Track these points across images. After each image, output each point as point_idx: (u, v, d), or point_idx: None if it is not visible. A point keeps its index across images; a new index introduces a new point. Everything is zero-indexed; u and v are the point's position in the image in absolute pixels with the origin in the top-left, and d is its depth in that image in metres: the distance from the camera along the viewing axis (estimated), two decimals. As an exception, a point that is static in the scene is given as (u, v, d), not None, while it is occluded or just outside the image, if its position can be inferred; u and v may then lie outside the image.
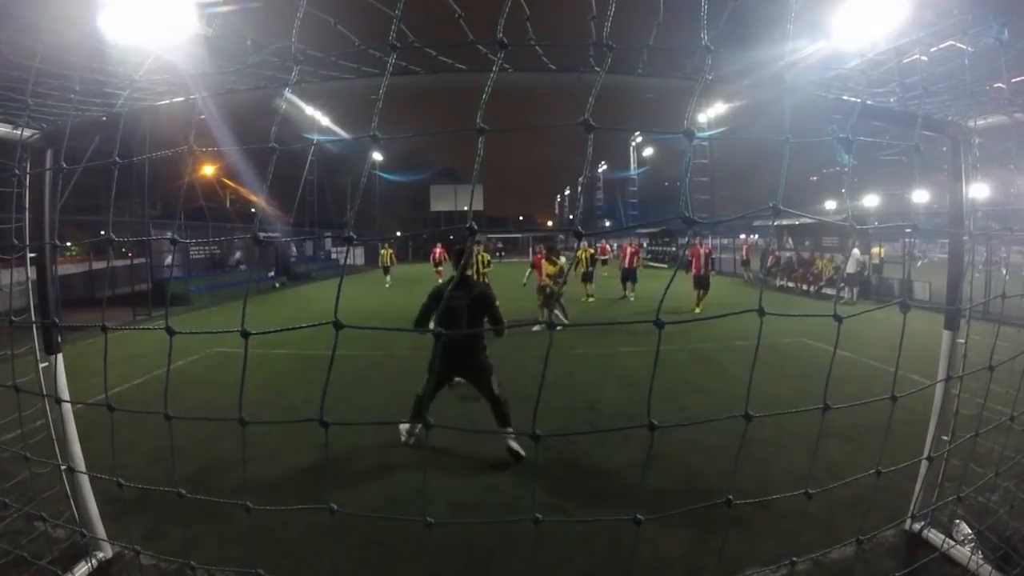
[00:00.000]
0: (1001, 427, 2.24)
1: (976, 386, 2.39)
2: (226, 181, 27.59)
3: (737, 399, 1.29)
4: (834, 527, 2.88)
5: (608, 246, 15.63)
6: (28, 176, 2.41)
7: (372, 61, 1.95)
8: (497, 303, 3.94)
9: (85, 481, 2.61)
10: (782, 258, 17.02)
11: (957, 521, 2.71)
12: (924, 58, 2.16)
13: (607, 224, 48.92)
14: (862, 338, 7.24)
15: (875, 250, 14.47)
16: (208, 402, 5.47)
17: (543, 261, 9.09)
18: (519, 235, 45.30)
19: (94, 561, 2.66)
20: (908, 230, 11.92)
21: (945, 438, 2.62)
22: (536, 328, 8.79)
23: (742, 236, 24.53)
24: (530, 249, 41.34)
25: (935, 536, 2.72)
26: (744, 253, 19.30)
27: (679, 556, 2.75)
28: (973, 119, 2.56)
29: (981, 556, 2.47)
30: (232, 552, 2.78)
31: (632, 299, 13.50)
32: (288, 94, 1.88)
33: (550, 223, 73.46)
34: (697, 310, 11.14)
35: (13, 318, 2.16)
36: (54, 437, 2.54)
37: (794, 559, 2.28)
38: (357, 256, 31.82)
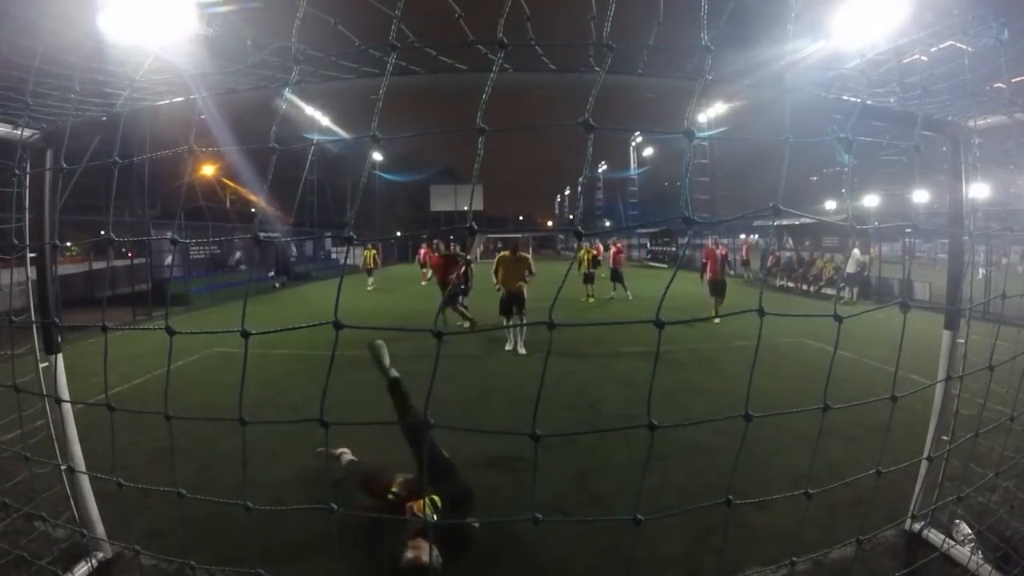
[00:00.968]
0: (1001, 427, 2.24)
1: (976, 386, 2.38)
2: (226, 181, 27.60)
3: (737, 399, 1.29)
4: (834, 527, 2.88)
5: (601, 246, 15.50)
6: (28, 176, 2.41)
7: (372, 61, 1.95)
8: None
9: (85, 481, 2.61)
10: (782, 258, 17.03)
11: (957, 521, 2.71)
12: (924, 58, 2.16)
13: (607, 224, 48.90)
14: (862, 338, 7.24)
15: (871, 251, 14.46)
16: (208, 402, 5.47)
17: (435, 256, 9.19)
18: (519, 235, 45.31)
19: (94, 561, 2.66)
20: (908, 230, 11.94)
21: (945, 438, 2.62)
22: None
23: (742, 236, 24.54)
24: (530, 249, 41.39)
25: (935, 536, 2.72)
26: (744, 253, 19.31)
27: (679, 556, 2.75)
28: (973, 119, 2.55)
29: (981, 556, 2.46)
30: (232, 552, 2.78)
31: (630, 298, 13.27)
32: (288, 94, 1.88)
33: (550, 223, 73.47)
34: (716, 320, 10.20)
35: (13, 318, 2.16)
36: (54, 437, 2.54)
37: (794, 559, 2.28)
38: (357, 256, 31.73)
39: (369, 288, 16.93)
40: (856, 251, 12.70)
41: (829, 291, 13.73)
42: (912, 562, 2.60)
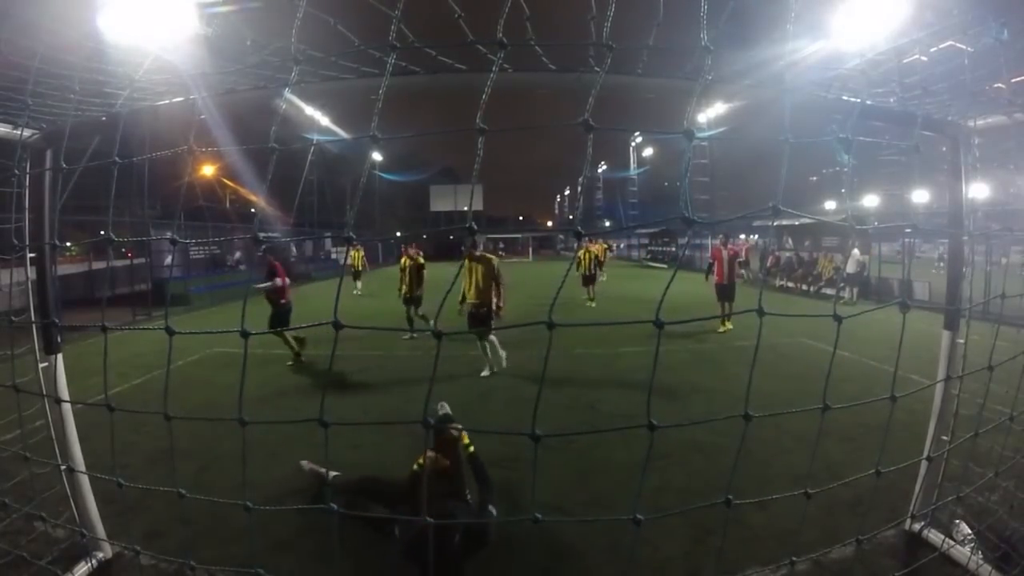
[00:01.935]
0: (1001, 427, 2.24)
1: (976, 386, 2.38)
2: (226, 181, 27.58)
3: (737, 399, 1.29)
4: (834, 527, 2.88)
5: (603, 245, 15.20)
6: (28, 176, 2.41)
7: (372, 61, 1.95)
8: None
9: (85, 481, 2.61)
10: (782, 258, 17.03)
11: (957, 521, 2.71)
12: (924, 58, 2.16)
13: (607, 224, 48.92)
14: (862, 338, 7.24)
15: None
16: (208, 402, 5.47)
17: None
18: (519, 235, 45.34)
19: (94, 561, 2.66)
20: (908, 230, 11.94)
21: (945, 438, 2.62)
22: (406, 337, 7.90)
23: (742, 236, 24.55)
24: (530, 249, 41.41)
25: (935, 536, 2.72)
26: (744, 253, 19.32)
27: (679, 556, 2.75)
28: (973, 119, 2.56)
29: (981, 556, 2.47)
30: (232, 552, 2.78)
31: (592, 305, 12.35)
32: (288, 94, 1.88)
33: (550, 223, 73.44)
34: (726, 327, 8.79)
35: (13, 318, 2.16)
36: (54, 437, 2.54)
37: (794, 559, 2.28)
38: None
39: (357, 292, 15.70)
40: (856, 251, 12.71)
41: (829, 291, 13.73)
42: (912, 562, 2.60)
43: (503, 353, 6.35)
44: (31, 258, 2.52)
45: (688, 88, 2.08)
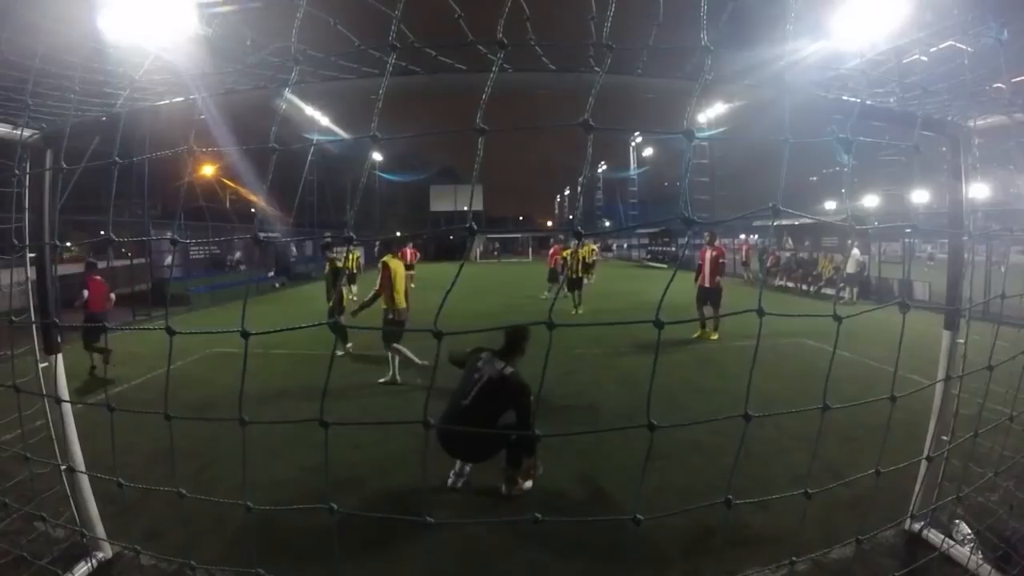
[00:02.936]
0: (1001, 427, 2.24)
1: (976, 386, 2.38)
2: (226, 181, 27.56)
3: (737, 399, 1.29)
4: (834, 527, 2.88)
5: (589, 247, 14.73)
6: (28, 176, 2.41)
7: (372, 61, 1.95)
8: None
9: (85, 481, 2.61)
10: (782, 258, 17.04)
11: (957, 521, 2.71)
12: (924, 58, 2.16)
13: (607, 224, 48.93)
14: (862, 338, 7.24)
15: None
16: (208, 402, 5.47)
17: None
18: (518, 235, 45.32)
19: (94, 561, 2.66)
20: (908, 230, 11.93)
21: (945, 438, 2.62)
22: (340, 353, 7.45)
23: (742, 236, 24.51)
24: (529, 249, 41.37)
25: (935, 536, 2.72)
26: (744, 254, 19.30)
27: (679, 556, 2.75)
28: (973, 119, 2.56)
29: (981, 556, 2.47)
30: (232, 552, 2.78)
31: (544, 295, 12.24)
32: (288, 94, 1.88)
33: (550, 223, 73.42)
34: (704, 333, 8.24)
35: (13, 318, 2.16)
36: (54, 437, 2.54)
37: (794, 559, 2.28)
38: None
39: (352, 298, 13.80)
40: (856, 251, 12.71)
41: (829, 291, 13.73)
42: (912, 562, 2.60)
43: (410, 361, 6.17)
44: (31, 258, 2.52)
45: (688, 88, 2.08)
